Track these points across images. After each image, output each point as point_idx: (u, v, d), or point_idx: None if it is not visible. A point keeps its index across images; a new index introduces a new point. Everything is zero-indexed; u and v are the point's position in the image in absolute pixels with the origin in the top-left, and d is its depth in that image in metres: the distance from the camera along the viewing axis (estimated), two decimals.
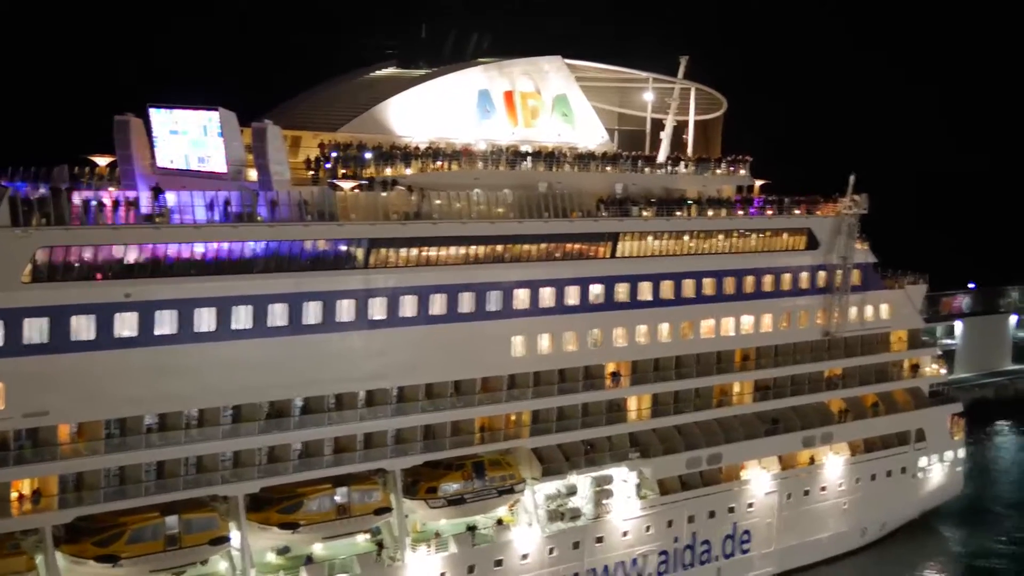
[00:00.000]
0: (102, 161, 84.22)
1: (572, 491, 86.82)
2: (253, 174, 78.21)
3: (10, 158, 78.22)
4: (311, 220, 75.48)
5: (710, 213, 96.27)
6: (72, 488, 67.69)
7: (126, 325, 68.67)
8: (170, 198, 71.45)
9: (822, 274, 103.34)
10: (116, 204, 69.33)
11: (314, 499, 75.02)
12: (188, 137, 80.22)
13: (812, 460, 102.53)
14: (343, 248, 76.89)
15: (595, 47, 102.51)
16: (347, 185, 78.07)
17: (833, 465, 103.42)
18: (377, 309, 78.08)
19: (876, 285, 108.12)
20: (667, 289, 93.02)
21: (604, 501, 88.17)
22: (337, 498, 75.96)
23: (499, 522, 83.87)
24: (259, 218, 73.97)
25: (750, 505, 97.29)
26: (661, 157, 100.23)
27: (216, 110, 78.42)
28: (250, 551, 72.93)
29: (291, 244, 74.41)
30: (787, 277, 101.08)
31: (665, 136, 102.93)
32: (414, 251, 79.55)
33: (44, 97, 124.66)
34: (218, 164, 78.85)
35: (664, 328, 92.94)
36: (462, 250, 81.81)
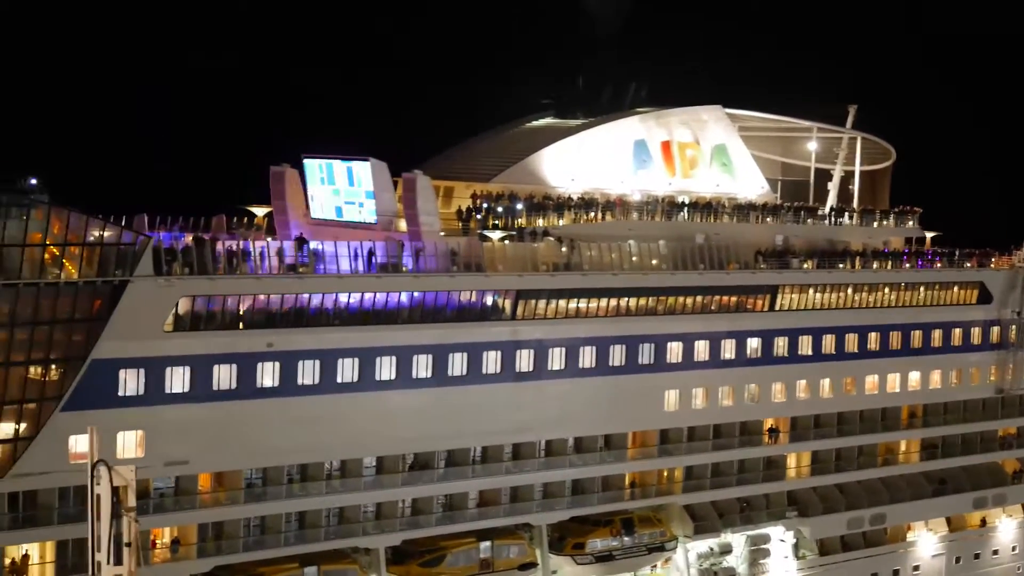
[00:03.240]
0: (260, 212, 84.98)
1: (726, 550, 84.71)
2: (404, 224, 78.18)
3: (171, 209, 79.40)
4: (457, 271, 74.95)
5: (875, 265, 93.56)
6: (211, 537, 67.86)
7: (268, 375, 68.77)
8: (315, 247, 71.47)
9: (995, 329, 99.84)
10: (250, 254, 69.25)
11: (457, 553, 74.16)
12: (341, 187, 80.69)
13: (983, 522, 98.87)
14: (490, 299, 76.17)
15: (758, 95, 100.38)
16: (496, 235, 77.47)
17: (1007, 528, 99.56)
18: (524, 361, 77.14)
19: None
20: (829, 343, 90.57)
21: (760, 561, 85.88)
22: (481, 552, 75.01)
23: None
24: (404, 268, 73.65)
25: (916, 568, 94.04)
26: (827, 208, 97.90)
27: (368, 160, 78.72)
28: None
29: (437, 295, 73.90)
30: (958, 332, 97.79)
31: (832, 186, 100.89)
32: (563, 303, 78.49)
33: (210, 147, 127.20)
34: (369, 214, 79.11)
35: (826, 383, 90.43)
36: (613, 302, 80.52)
